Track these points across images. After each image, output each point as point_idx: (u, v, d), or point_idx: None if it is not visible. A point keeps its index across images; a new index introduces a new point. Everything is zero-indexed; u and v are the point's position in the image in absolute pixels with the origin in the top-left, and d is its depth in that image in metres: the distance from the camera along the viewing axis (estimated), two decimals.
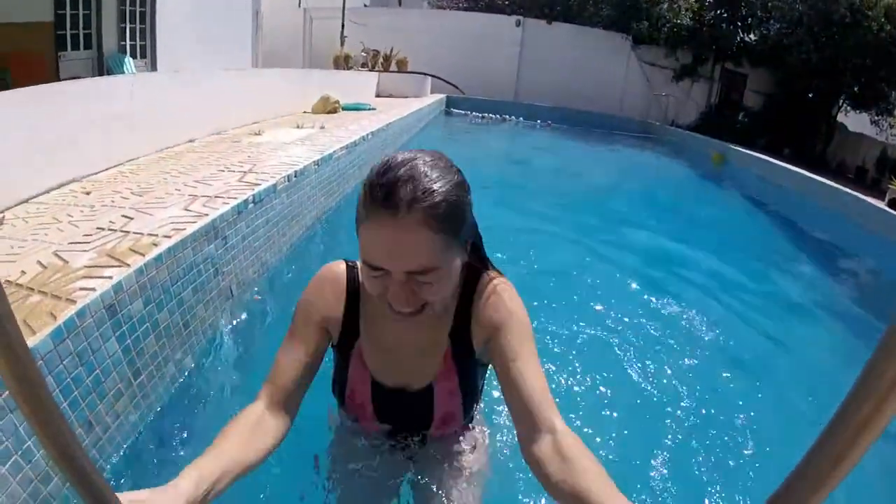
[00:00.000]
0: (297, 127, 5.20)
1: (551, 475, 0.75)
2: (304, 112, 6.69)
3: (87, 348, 1.41)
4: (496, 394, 1.54)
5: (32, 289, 1.48)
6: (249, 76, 6.33)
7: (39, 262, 1.66)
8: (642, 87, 15.20)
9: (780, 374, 2.58)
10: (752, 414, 2.09)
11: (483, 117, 13.27)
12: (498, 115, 13.57)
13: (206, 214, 2.16)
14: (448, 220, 0.78)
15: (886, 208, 6.23)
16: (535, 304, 2.64)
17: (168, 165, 3.19)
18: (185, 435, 1.69)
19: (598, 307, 2.87)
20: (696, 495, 1.66)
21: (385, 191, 0.76)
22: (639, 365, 2.32)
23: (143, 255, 1.71)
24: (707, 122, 14.27)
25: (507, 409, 0.99)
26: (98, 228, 1.97)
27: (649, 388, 2.19)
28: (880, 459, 1.50)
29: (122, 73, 7.75)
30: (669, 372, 2.30)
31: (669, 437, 1.90)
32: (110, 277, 1.55)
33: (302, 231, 3.36)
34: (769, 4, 13.35)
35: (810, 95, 13.45)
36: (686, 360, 2.45)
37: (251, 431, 0.84)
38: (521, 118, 13.78)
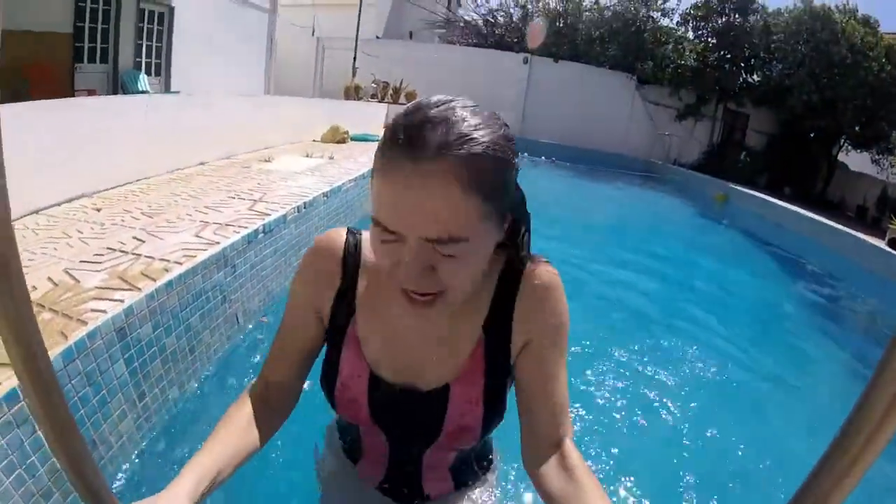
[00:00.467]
0: (307, 156, 5.28)
1: (554, 492, 0.72)
2: (314, 140, 6.77)
3: (96, 369, 1.44)
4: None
5: (43, 306, 1.52)
6: (261, 102, 6.44)
7: (50, 279, 1.70)
8: (646, 126, 15.43)
9: (774, 411, 2.58)
10: (748, 451, 2.09)
11: None
12: None
13: (218, 242, 2.21)
14: (486, 179, 0.61)
15: (886, 248, 6.26)
16: None
17: (178, 187, 3.26)
18: (186, 457, 1.69)
19: (595, 341, 2.87)
20: None
21: (410, 132, 0.60)
22: (637, 408, 2.31)
23: (154, 280, 1.76)
24: (709, 162, 14.48)
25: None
26: (109, 249, 2.02)
27: (646, 429, 2.19)
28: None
29: (137, 88, 7.89)
30: (666, 413, 2.31)
31: (668, 471, 1.90)
32: (121, 301, 1.59)
33: None
34: (772, 46, 13.70)
35: (811, 135, 13.66)
36: (682, 400, 2.44)
37: (248, 423, 0.78)
38: (526, 154, 13.92)
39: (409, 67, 13.56)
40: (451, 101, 0.64)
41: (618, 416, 2.21)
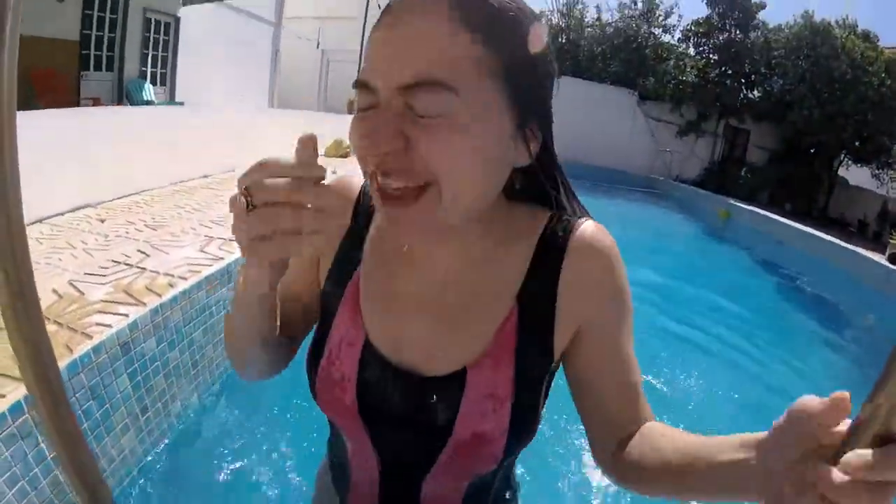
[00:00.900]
0: None
1: (643, 458, 0.57)
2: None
3: (100, 383, 1.45)
4: None
5: (48, 318, 1.52)
6: (265, 116, 6.50)
7: (55, 291, 1.71)
8: (648, 142, 15.49)
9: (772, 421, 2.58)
10: None
11: None
12: None
13: (223, 258, 2.22)
14: (490, 20, 0.48)
15: (886, 263, 6.29)
16: None
17: (182, 200, 3.27)
18: (187, 471, 1.70)
19: None
20: None
21: None
22: None
23: (159, 295, 1.77)
24: (710, 178, 14.51)
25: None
26: (113, 261, 2.03)
27: None
28: None
29: (142, 98, 7.94)
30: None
31: None
32: (126, 315, 1.60)
33: None
34: (772, 62, 13.79)
35: (812, 150, 13.70)
36: (682, 417, 2.45)
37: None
38: None
39: None
40: None
41: None
